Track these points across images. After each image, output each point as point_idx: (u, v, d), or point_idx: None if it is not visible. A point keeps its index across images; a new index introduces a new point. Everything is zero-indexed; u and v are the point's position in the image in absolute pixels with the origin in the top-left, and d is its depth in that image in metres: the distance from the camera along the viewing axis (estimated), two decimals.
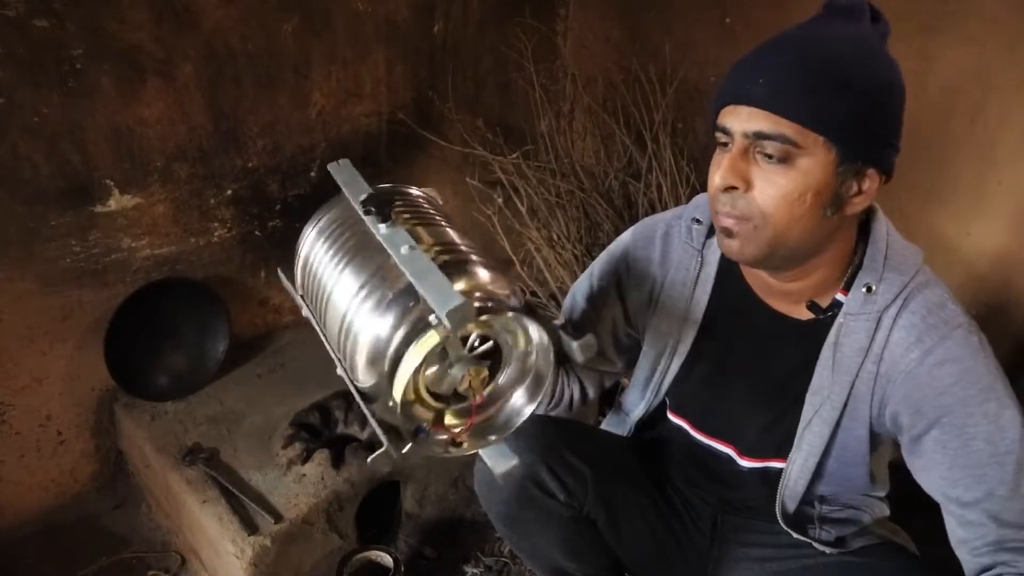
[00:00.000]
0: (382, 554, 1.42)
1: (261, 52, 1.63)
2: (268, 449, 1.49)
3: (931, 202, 1.67)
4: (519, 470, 1.02)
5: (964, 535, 0.87)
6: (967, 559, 0.88)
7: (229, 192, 1.71)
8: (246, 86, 1.64)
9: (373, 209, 0.73)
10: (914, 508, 1.02)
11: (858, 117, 0.79)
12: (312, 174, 1.84)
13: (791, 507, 1.02)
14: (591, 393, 1.22)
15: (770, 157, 0.80)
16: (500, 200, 1.94)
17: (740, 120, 0.81)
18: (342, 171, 0.86)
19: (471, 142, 2.02)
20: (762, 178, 0.81)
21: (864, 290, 0.89)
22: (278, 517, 1.34)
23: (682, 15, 2.02)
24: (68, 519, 1.63)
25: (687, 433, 1.11)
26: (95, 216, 1.51)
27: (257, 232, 1.79)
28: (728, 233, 0.86)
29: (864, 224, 0.92)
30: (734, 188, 0.82)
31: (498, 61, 2.14)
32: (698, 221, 1.03)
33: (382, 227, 0.71)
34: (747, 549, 1.12)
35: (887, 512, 1.08)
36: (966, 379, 0.84)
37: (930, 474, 0.89)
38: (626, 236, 1.12)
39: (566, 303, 1.17)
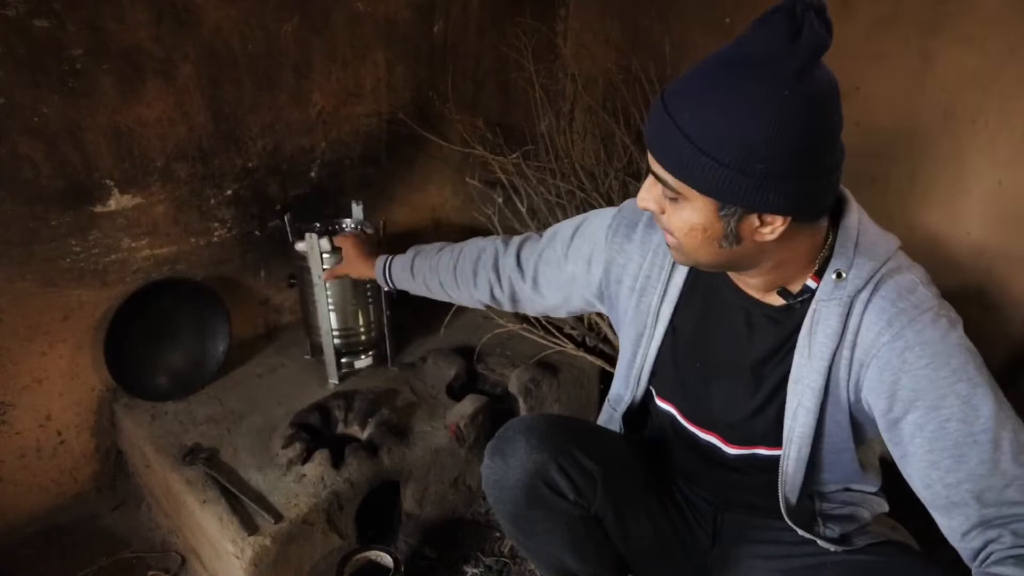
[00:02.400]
0: (382, 554, 1.42)
1: (261, 52, 1.64)
2: (268, 449, 1.49)
3: (931, 202, 1.67)
4: (531, 467, 1.04)
5: (952, 523, 0.87)
6: (961, 547, 0.88)
7: (229, 192, 1.71)
8: (246, 86, 1.64)
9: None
10: (912, 505, 1.02)
11: (726, 180, 0.80)
12: (312, 174, 1.84)
13: (793, 500, 1.02)
14: (504, 302, 1.33)
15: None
16: (500, 200, 1.94)
17: (649, 156, 0.87)
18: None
19: (471, 142, 2.03)
20: (668, 207, 0.89)
21: (834, 276, 0.90)
22: (278, 517, 1.34)
23: (682, 15, 2.02)
24: (68, 519, 1.63)
25: (675, 419, 1.12)
26: (95, 216, 1.51)
27: (257, 232, 1.80)
28: (668, 245, 0.96)
29: (835, 213, 0.93)
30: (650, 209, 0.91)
31: (498, 61, 2.14)
32: None
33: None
34: (750, 547, 1.12)
35: (886, 508, 1.08)
36: (936, 361, 0.85)
37: (911, 459, 0.89)
38: (610, 213, 1.16)
39: (545, 236, 1.28)
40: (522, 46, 2.03)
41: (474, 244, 1.37)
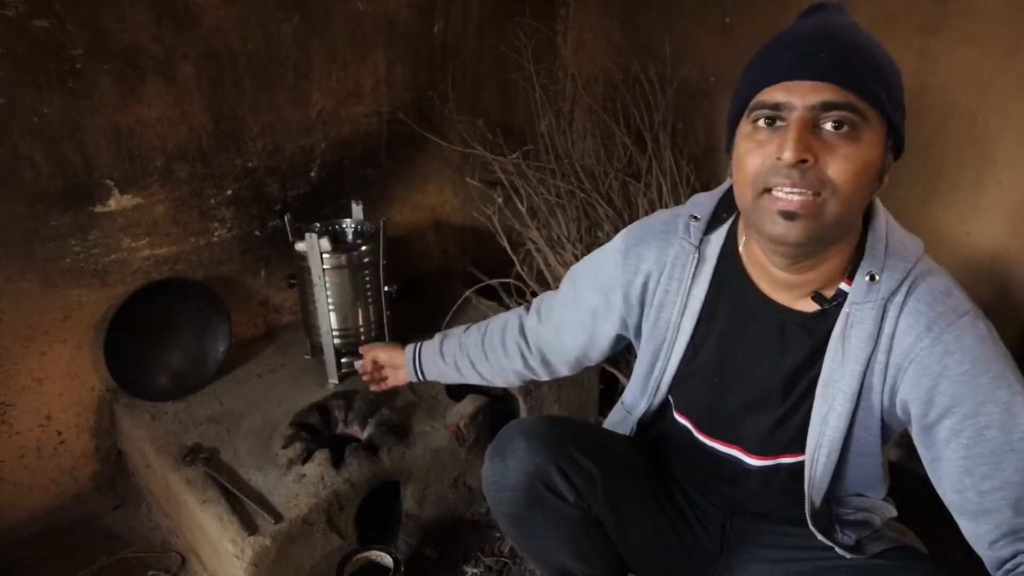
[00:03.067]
0: (382, 554, 1.42)
1: (261, 52, 1.64)
2: (268, 449, 1.49)
3: (931, 202, 1.67)
4: (531, 469, 1.04)
5: (980, 530, 0.87)
6: (986, 555, 0.87)
7: (229, 192, 1.71)
8: (246, 86, 1.64)
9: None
10: (917, 510, 1.02)
11: (897, 96, 0.84)
12: (312, 174, 1.84)
13: (818, 504, 1.01)
14: (537, 367, 1.31)
15: (838, 127, 0.80)
16: (500, 200, 1.94)
17: (802, 92, 0.80)
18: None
19: (471, 142, 2.03)
20: (828, 152, 0.80)
21: (867, 279, 0.90)
22: (278, 517, 1.34)
23: (682, 15, 2.02)
24: (68, 519, 1.63)
25: (691, 434, 1.11)
26: (95, 216, 1.51)
27: (257, 232, 1.80)
28: (791, 216, 0.82)
29: (865, 215, 0.93)
30: (805, 161, 0.80)
31: (498, 61, 2.14)
32: (695, 218, 1.04)
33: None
34: (760, 551, 1.11)
35: (894, 512, 1.08)
36: (977, 367, 0.84)
37: (943, 464, 0.88)
38: (618, 239, 1.13)
39: (562, 282, 1.26)
40: (522, 46, 2.03)
41: (498, 318, 1.36)
